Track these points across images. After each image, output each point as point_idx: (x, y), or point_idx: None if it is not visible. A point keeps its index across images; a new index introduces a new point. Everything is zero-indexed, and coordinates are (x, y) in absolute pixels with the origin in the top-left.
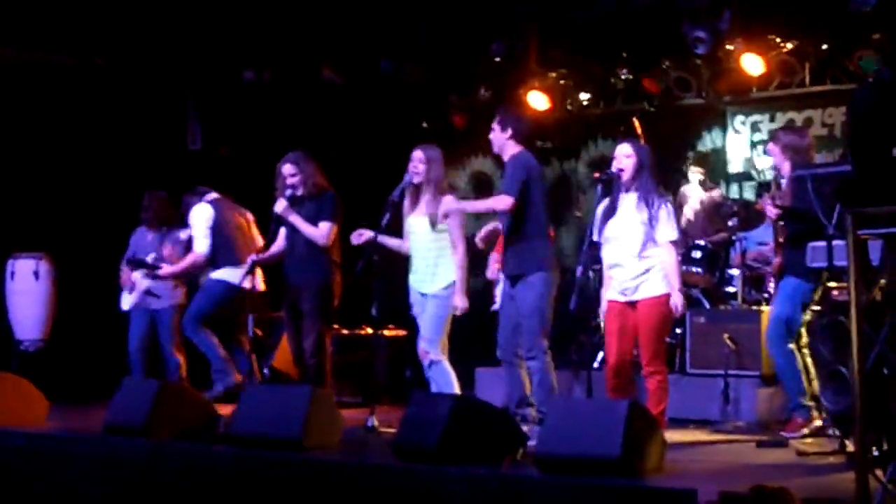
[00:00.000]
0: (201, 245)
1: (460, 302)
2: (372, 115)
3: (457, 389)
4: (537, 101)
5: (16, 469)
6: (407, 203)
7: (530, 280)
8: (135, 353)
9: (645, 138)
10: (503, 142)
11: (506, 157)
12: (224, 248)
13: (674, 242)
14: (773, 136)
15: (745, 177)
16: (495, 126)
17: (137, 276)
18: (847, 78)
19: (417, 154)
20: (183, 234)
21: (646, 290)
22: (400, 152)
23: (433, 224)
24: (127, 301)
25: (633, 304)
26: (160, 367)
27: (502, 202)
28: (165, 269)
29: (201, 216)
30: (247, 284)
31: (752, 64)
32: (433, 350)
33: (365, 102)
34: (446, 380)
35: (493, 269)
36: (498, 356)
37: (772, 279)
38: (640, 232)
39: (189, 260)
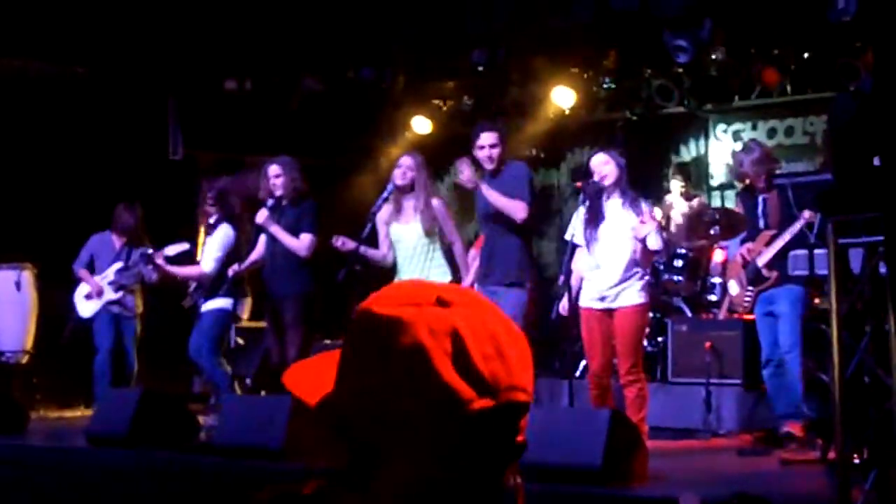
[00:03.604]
0: (209, 265)
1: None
2: (352, 123)
3: None
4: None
5: None
6: (387, 212)
7: (507, 291)
8: (103, 360)
9: (627, 146)
10: (500, 156)
11: (494, 174)
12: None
13: (658, 252)
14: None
15: (726, 185)
16: (497, 141)
17: (107, 280)
18: (828, 86)
19: (406, 160)
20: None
21: (625, 298)
22: (381, 160)
23: (427, 231)
24: (88, 308)
25: (609, 312)
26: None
27: (520, 210)
28: (170, 268)
29: (223, 237)
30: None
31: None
32: None
33: (345, 110)
34: None
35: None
36: None
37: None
38: (629, 237)
39: (193, 272)
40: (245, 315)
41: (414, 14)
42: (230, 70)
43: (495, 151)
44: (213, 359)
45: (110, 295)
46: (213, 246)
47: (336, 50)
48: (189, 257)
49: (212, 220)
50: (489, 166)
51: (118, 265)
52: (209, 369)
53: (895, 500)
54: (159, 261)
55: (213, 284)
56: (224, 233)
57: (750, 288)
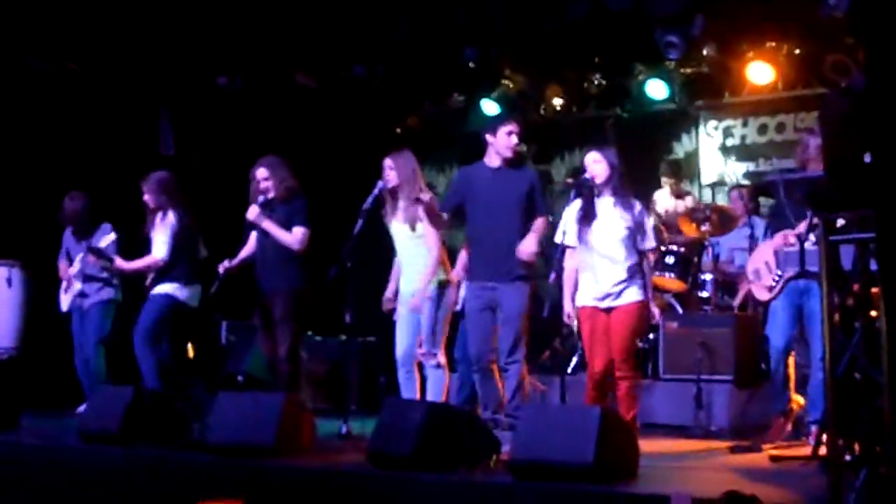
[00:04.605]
0: (161, 250)
1: (417, 300)
2: (345, 119)
3: (444, 398)
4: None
5: None
6: (388, 211)
7: (514, 285)
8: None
9: (617, 143)
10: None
11: (507, 165)
12: (179, 261)
13: (652, 250)
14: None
15: (717, 182)
16: (517, 136)
17: (74, 271)
18: (819, 82)
19: (387, 161)
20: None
21: (627, 295)
22: (373, 157)
23: (412, 227)
24: (66, 302)
25: (608, 310)
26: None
27: (544, 223)
28: (120, 262)
29: (169, 224)
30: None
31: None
32: (437, 351)
33: (338, 107)
34: (439, 386)
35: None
36: (458, 363)
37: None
38: (626, 237)
39: (146, 261)
40: (193, 303)
41: (406, 11)
42: (222, 68)
43: (517, 143)
44: (145, 344)
45: (77, 286)
46: (160, 232)
47: (328, 48)
48: (122, 245)
49: (154, 208)
50: (508, 154)
51: (80, 255)
52: (139, 354)
53: (885, 498)
54: (119, 262)
55: (162, 270)
56: (169, 220)
57: (779, 273)
